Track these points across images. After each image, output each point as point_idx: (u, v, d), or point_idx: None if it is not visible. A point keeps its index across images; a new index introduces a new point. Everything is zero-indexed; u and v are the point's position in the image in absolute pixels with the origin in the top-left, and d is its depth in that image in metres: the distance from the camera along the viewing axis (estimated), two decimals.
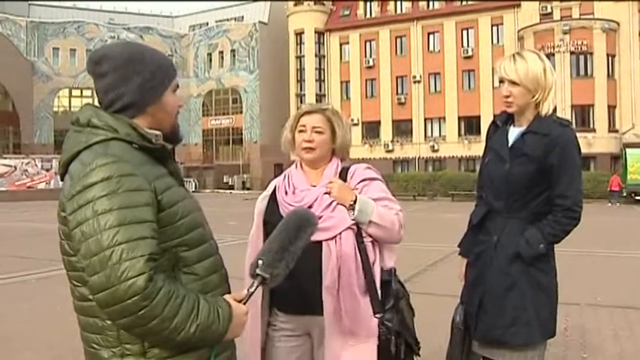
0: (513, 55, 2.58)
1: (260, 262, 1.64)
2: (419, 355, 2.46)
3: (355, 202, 2.32)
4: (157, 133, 1.66)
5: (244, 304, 1.62)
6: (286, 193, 2.43)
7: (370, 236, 2.35)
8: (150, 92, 1.65)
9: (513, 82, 2.51)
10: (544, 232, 2.47)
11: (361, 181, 2.43)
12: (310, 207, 2.32)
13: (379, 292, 2.34)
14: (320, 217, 2.23)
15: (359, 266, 2.31)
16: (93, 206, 1.45)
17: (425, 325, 5.48)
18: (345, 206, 2.33)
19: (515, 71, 2.50)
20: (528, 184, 2.49)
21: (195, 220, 1.65)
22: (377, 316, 2.34)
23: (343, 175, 2.46)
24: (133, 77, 1.62)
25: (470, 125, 44.30)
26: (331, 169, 2.47)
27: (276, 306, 2.42)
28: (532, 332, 2.47)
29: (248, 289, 1.63)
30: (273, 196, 2.47)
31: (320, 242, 2.26)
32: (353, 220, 2.31)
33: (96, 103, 1.71)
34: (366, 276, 2.33)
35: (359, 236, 2.34)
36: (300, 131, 2.46)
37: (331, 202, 2.35)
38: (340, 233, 2.29)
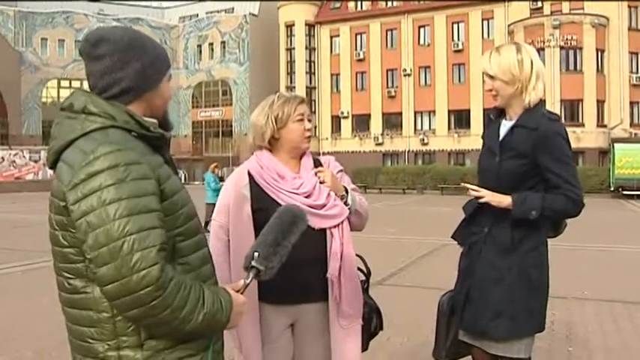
0: (492, 49, 2.62)
1: (256, 254, 1.63)
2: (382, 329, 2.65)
3: (347, 192, 2.44)
4: (154, 121, 1.62)
5: (242, 294, 1.62)
6: (274, 179, 2.38)
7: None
8: (148, 79, 1.61)
9: (490, 76, 2.56)
10: (545, 200, 2.46)
11: (339, 172, 2.54)
12: (310, 195, 2.36)
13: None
14: (324, 206, 2.34)
15: (354, 252, 2.44)
16: (100, 195, 1.40)
17: (413, 317, 5.53)
18: (338, 195, 2.41)
19: (490, 65, 2.55)
20: (518, 178, 2.51)
21: (191, 211, 1.62)
22: (363, 296, 2.50)
23: (317, 164, 2.51)
24: (132, 63, 1.57)
25: (459, 119, 44.42)
26: (309, 158, 2.50)
27: (266, 299, 2.35)
28: (517, 326, 2.48)
29: (244, 281, 1.63)
30: (252, 184, 2.40)
31: (323, 230, 2.33)
32: (349, 209, 2.42)
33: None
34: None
35: None
36: (300, 120, 2.43)
37: (329, 191, 2.41)
38: (342, 221, 2.39)
